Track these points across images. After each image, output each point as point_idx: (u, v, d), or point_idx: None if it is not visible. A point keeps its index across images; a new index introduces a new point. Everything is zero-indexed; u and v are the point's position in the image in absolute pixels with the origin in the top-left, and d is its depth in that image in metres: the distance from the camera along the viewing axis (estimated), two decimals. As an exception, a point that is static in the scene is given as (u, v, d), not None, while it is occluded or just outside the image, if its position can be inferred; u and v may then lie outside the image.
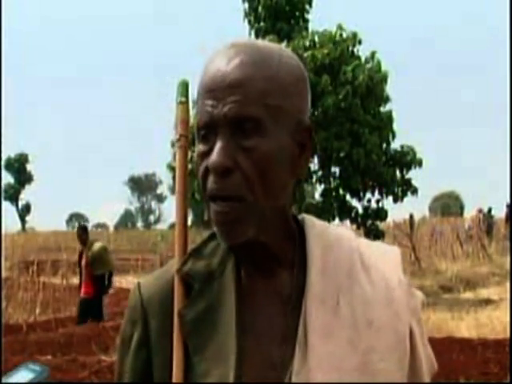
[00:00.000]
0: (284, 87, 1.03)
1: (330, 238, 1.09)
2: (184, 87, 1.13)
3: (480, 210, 24.67)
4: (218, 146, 1.00)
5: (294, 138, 1.04)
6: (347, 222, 14.84)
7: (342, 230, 1.14)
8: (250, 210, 1.00)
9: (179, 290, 1.07)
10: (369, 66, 13.42)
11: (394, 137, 13.80)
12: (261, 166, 1.00)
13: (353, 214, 14.18)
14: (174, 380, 1.02)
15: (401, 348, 1.04)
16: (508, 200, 21.63)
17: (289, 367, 1.01)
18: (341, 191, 14.00)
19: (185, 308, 1.05)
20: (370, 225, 14.15)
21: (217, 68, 1.02)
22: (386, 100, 13.71)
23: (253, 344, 1.03)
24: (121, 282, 15.30)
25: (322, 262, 1.06)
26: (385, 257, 1.11)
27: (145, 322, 1.09)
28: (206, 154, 1.02)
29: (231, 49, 1.04)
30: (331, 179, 13.83)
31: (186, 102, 1.12)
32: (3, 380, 1.13)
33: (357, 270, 1.07)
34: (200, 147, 1.03)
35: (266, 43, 1.07)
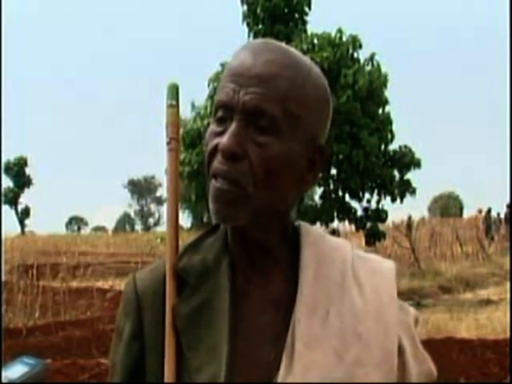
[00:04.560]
0: (306, 99, 1.04)
1: (325, 247, 1.10)
2: (174, 90, 1.13)
3: (480, 211, 24.71)
4: (232, 130, 1.01)
5: (306, 152, 1.05)
6: (346, 223, 14.87)
7: (337, 240, 1.14)
8: (247, 199, 1.01)
9: (171, 285, 1.07)
10: (368, 68, 13.44)
11: (392, 138, 13.82)
12: (269, 165, 1.01)
13: (352, 216, 14.20)
14: (165, 374, 1.03)
15: (388, 364, 1.04)
16: (508, 200, 21.63)
17: (275, 371, 1.02)
18: (340, 193, 14.01)
19: (179, 303, 1.06)
20: (371, 226, 14.16)
21: (246, 56, 1.04)
22: (385, 102, 13.74)
23: (244, 345, 1.04)
24: (120, 285, 15.28)
25: (314, 272, 1.06)
26: (379, 272, 1.11)
27: (139, 313, 1.10)
28: (218, 134, 1.03)
29: (265, 44, 1.06)
30: (330, 181, 13.85)
31: (176, 105, 1.13)
32: None
33: (349, 282, 1.07)
34: (214, 127, 1.05)
35: (300, 53, 1.08)
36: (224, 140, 1.00)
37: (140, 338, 1.09)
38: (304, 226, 1.12)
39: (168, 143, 1.12)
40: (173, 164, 1.11)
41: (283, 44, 1.09)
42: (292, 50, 1.07)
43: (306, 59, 1.08)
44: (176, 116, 1.13)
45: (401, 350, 1.06)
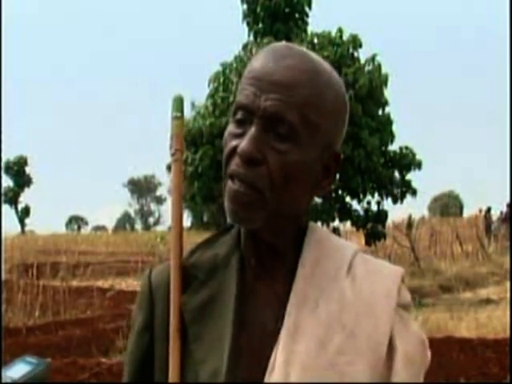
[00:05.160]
0: (325, 106, 1.05)
1: (327, 247, 1.11)
2: (179, 102, 1.15)
3: (481, 210, 24.76)
4: (251, 134, 1.02)
5: (321, 158, 1.07)
6: (348, 223, 14.86)
7: (342, 242, 1.15)
8: (264, 203, 1.03)
9: (176, 283, 1.10)
10: (368, 68, 13.44)
11: (393, 139, 13.82)
12: (287, 171, 1.02)
13: (353, 216, 14.20)
14: (170, 366, 1.06)
15: (373, 356, 1.04)
16: (508, 200, 21.64)
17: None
18: (340, 192, 14.01)
19: (187, 297, 1.09)
20: (371, 227, 14.16)
21: (268, 61, 1.05)
22: (385, 102, 13.74)
23: (247, 340, 1.06)
24: (120, 284, 15.30)
25: (311, 269, 1.08)
26: (380, 273, 1.12)
27: (151, 307, 1.14)
28: (237, 136, 1.04)
29: (287, 49, 1.07)
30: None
31: (181, 117, 1.15)
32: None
33: (342, 277, 1.08)
34: (232, 128, 1.06)
35: (321, 59, 1.09)
36: (243, 144, 1.02)
37: (150, 330, 1.13)
38: (312, 225, 1.14)
39: (173, 154, 1.14)
40: (177, 174, 1.14)
41: (304, 49, 1.09)
42: (313, 55, 1.08)
43: (327, 65, 1.08)
44: (181, 128, 1.15)
45: (392, 349, 1.05)
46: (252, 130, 1.02)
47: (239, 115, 1.05)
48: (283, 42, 1.11)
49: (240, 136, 1.04)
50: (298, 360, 1.02)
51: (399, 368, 1.05)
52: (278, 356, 1.02)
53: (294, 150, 1.02)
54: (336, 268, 1.09)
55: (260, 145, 1.01)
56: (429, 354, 1.11)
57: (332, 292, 1.07)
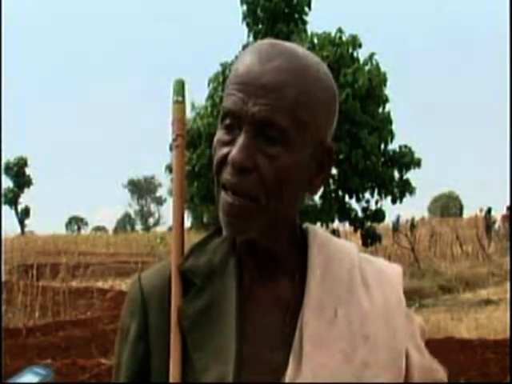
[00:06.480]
0: (315, 104, 1.02)
1: (332, 249, 1.10)
2: (180, 86, 1.12)
3: (480, 211, 24.81)
4: (241, 142, 0.99)
5: (315, 156, 1.04)
6: (346, 223, 14.87)
7: (344, 243, 1.14)
8: (259, 212, 1.01)
9: (177, 285, 1.06)
10: (367, 67, 13.47)
11: (392, 137, 13.83)
12: (280, 176, 1.00)
13: (352, 216, 14.21)
14: (171, 375, 1.03)
15: (396, 366, 1.04)
16: (508, 202, 21.65)
17: (284, 373, 1.01)
18: (340, 193, 14.02)
19: (185, 304, 1.06)
20: (368, 228, 14.18)
21: (253, 63, 1.01)
22: (385, 101, 13.76)
23: (251, 346, 1.03)
24: (120, 285, 15.30)
25: (321, 273, 1.06)
26: (385, 275, 1.11)
27: (144, 313, 1.09)
28: (226, 143, 1.02)
29: (272, 47, 1.03)
30: (330, 181, 13.85)
31: (183, 102, 1.11)
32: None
33: (356, 285, 1.07)
34: (221, 135, 1.03)
35: (306, 53, 1.05)
36: (234, 153, 0.99)
37: (145, 339, 1.08)
38: (312, 228, 1.12)
39: (174, 140, 1.10)
40: (179, 161, 1.10)
41: (289, 44, 1.06)
42: (299, 50, 1.05)
43: (313, 58, 1.05)
44: (182, 112, 1.11)
45: (407, 357, 1.06)
46: (242, 138, 0.99)
47: (227, 121, 1.02)
48: (267, 40, 1.06)
49: (230, 143, 1.01)
50: (325, 372, 1.00)
51: (415, 373, 1.07)
52: (305, 366, 1.00)
53: (286, 153, 1.00)
54: (347, 272, 1.08)
55: (251, 152, 0.99)
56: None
57: (349, 301, 1.05)
